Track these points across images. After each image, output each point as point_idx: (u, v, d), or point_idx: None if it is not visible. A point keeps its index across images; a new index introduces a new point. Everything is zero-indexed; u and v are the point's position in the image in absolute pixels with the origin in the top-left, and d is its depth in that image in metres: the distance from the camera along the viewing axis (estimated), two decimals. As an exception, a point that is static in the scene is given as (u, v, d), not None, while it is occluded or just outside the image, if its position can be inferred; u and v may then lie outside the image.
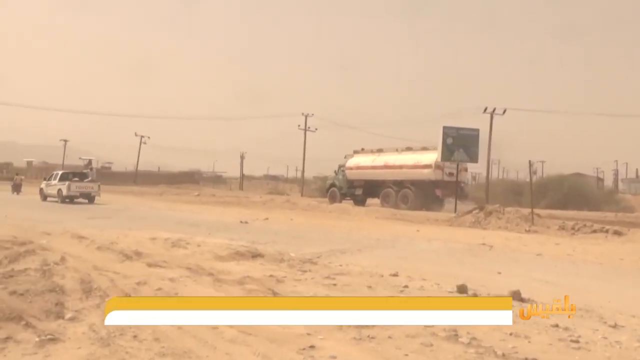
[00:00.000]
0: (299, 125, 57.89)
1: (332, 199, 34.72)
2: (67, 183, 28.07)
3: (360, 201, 33.37)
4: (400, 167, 30.70)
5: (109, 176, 73.64)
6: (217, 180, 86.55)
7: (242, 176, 77.66)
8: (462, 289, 7.13)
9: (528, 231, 18.72)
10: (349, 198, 34.22)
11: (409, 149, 32.06)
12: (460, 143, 28.97)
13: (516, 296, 6.83)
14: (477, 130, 30.82)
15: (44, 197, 29.98)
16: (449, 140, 28.80)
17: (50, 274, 6.97)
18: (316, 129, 58.43)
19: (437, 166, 29.03)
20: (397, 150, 32.65)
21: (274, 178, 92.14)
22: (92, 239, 10.46)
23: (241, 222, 19.37)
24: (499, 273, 9.65)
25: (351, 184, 34.22)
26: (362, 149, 35.58)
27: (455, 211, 25.87)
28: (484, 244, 14.38)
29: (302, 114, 57.90)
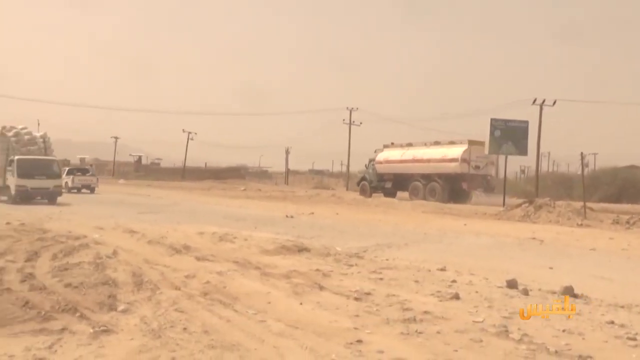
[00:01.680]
0: (343, 120, 57.84)
1: (363, 192, 35.44)
2: (72, 177, 34.39)
3: (389, 194, 33.71)
4: (428, 160, 31.02)
5: (158, 172, 75.42)
6: (262, 175, 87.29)
7: (288, 171, 77.93)
8: (512, 284, 6.98)
9: (580, 225, 18.20)
10: (379, 191, 34.75)
11: (436, 143, 32.17)
12: (508, 136, 28.44)
13: (569, 292, 6.65)
14: (526, 122, 30.12)
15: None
16: (497, 133, 28.27)
17: (103, 267, 7.17)
18: (361, 123, 58.20)
19: (464, 160, 29.23)
20: (425, 144, 32.82)
21: (319, 172, 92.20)
22: (142, 233, 10.70)
23: (287, 216, 19.47)
24: (551, 268, 9.42)
25: (381, 177, 34.87)
26: (392, 144, 35.93)
27: (503, 204, 25.40)
28: (534, 238, 14.05)
29: (347, 108, 57.79)
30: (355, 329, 4.87)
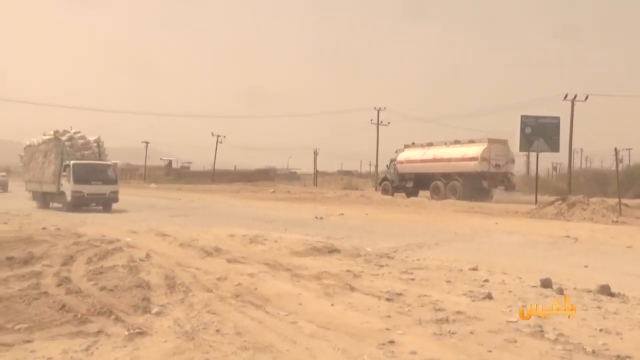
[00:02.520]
0: (371, 120, 57.60)
1: (385, 192, 35.92)
2: None
3: (411, 193, 34.08)
4: (449, 160, 31.28)
5: (188, 175, 76.31)
6: (291, 176, 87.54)
7: (316, 172, 77.98)
8: (546, 283, 6.86)
9: (615, 222, 17.84)
10: (401, 191, 35.09)
11: (457, 142, 32.32)
12: (539, 132, 28.06)
13: (605, 291, 6.53)
14: (558, 118, 29.67)
15: None
16: (528, 130, 27.92)
17: (136, 270, 7.27)
18: (389, 123, 57.90)
19: (484, 158, 29.35)
20: (445, 143, 33.03)
21: (348, 173, 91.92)
22: (174, 236, 10.83)
23: (316, 217, 19.51)
24: (586, 267, 9.25)
25: (402, 177, 35.29)
26: (413, 143, 36.27)
27: (535, 202, 25.03)
28: (568, 237, 13.82)
29: (375, 108, 57.51)
30: (387, 329, 4.85)
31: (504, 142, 30.69)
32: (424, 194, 33.41)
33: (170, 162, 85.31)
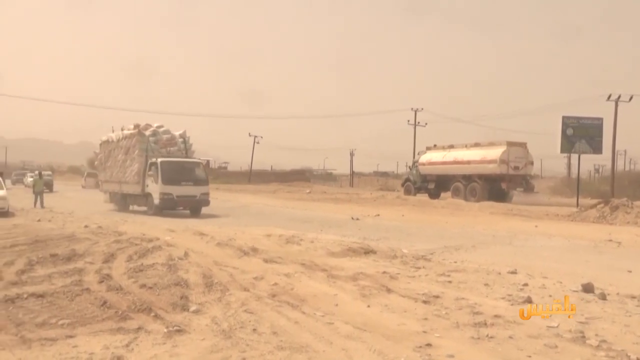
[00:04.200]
0: (408, 121, 57.19)
1: (407, 193, 36.73)
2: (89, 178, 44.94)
3: (433, 195, 34.59)
4: (469, 162, 31.68)
5: (225, 175, 76.95)
6: (327, 177, 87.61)
7: (352, 173, 77.87)
8: (588, 288, 6.69)
9: (661, 226, 17.27)
10: (423, 192, 35.81)
11: (477, 144, 32.65)
12: (581, 133, 27.39)
13: (650, 296, 6.33)
14: (601, 119, 28.86)
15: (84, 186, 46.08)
16: (569, 131, 27.26)
17: (175, 269, 7.38)
18: (426, 124, 57.42)
19: (502, 161, 29.63)
20: (465, 146, 33.34)
21: (384, 174, 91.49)
22: (211, 235, 10.95)
23: (352, 218, 19.47)
24: (630, 271, 9.00)
25: (424, 178, 35.86)
26: (435, 146, 36.82)
27: (577, 205, 24.49)
28: (610, 240, 13.47)
29: (412, 109, 57.15)
30: (424, 332, 4.81)
31: (523, 145, 31.10)
32: (445, 195, 33.97)
33: (208, 162, 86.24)
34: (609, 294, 6.49)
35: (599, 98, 35.77)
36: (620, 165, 59.35)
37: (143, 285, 6.41)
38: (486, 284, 7.02)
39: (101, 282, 6.61)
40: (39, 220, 14.57)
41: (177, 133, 22.31)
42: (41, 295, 5.89)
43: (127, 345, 4.39)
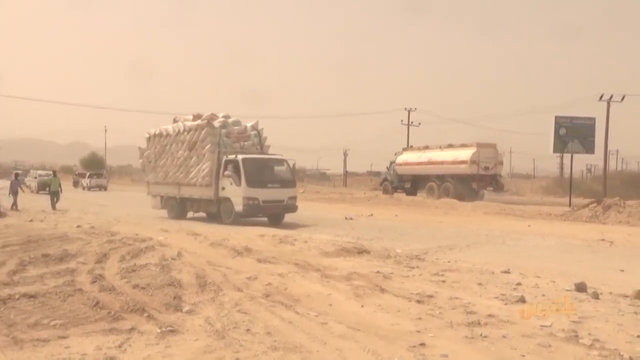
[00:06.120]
0: (401, 121, 57.21)
1: (385, 192, 37.84)
2: (88, 179, 46.66)
3: (410, 193, 35.66)
4: (442, 162, 32.80)
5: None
6: (321, 177, 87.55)
7: (346, 173, 77.87)
8: (581, 288, 6.71)
9: (653, 226, 17.36)
10: (400, 191, 36.83)
11: (450, 145, 33.54)
12: (574, 133, 27.50)
13: (642, 296, 6.36)
14: (593, 119, 28.97)
15: (82, 187, 47.63)
16: (562, 131, 27.33)
17: (168, 269, 7.36)
18: (419, 124, 57.45)
19: (473, 161, 30.77)
20: (439, 147, 34.32)
21: (378, 174, 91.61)
22: (205, 235, 10.93)
23: (346, 218, 19.49)
24: (622, 271, 9.05)
25: (401, 178, 37.10)
26: (411, 147, 39.12)
27: (569, 205, 24.59)
28: (603, 240, 13.53)
29: (405, 108, 57.19)
30: (418, 332, 4.80)
31: (492, 146, 32.46)
32: (421, 194, 34.94)
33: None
34: (601, 293, 6.51)
35: (594, 98, 35.98)
36: (612, 165, 59.77)
37: (136, 286, 6.39)
38: (480, 284, 7.03)
39: (94, 282, 6.58)
40: (31, 220, 14.52)
41: (248, 125, 18.91)
42: (33, 296, 5.86)
43: (119, 346, 4.37)
